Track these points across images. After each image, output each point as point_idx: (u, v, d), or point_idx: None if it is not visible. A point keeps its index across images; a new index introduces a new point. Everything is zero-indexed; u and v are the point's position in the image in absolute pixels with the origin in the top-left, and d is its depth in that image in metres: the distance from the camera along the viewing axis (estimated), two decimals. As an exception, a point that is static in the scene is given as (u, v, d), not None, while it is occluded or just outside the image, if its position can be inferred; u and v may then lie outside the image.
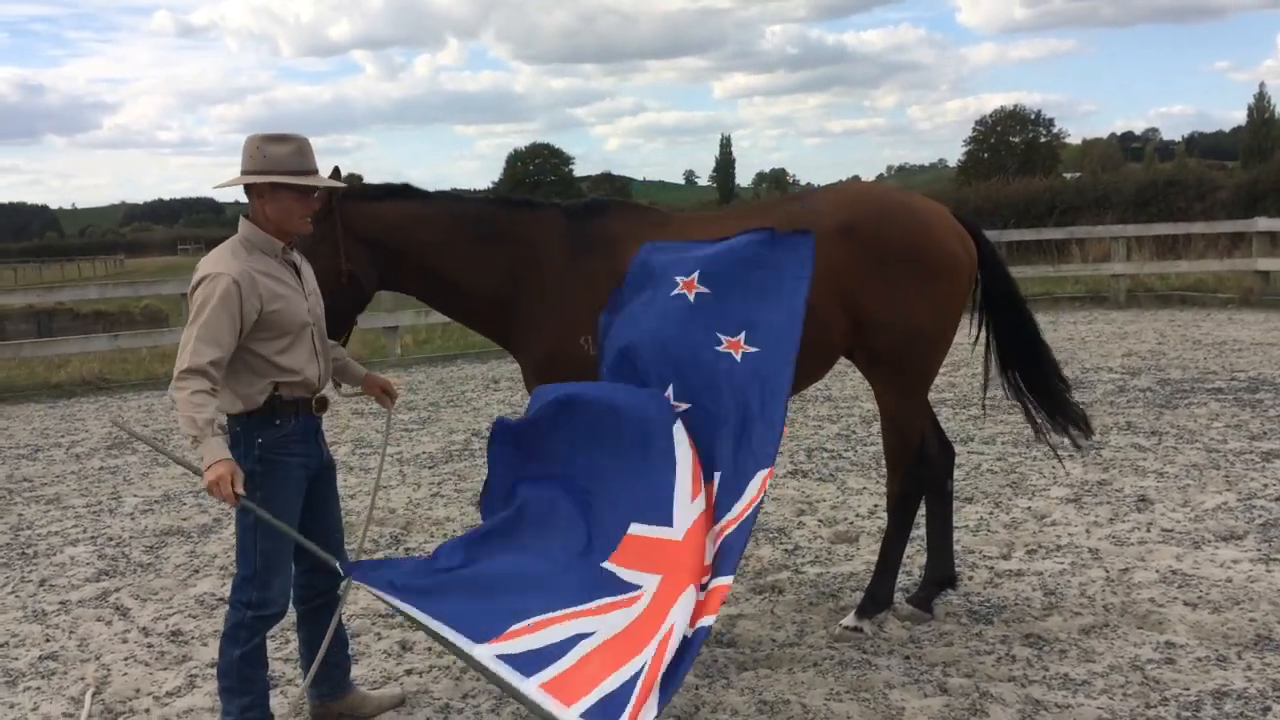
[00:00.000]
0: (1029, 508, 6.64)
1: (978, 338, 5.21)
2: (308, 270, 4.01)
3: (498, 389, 12.21)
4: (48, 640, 5.30)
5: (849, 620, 4.90)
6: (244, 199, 3.90)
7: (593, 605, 3.52)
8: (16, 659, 5.08)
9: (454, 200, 4.74)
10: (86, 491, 8.32)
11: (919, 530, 5.31)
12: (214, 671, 4.05)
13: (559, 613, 3.48)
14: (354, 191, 4.49)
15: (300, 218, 3.86)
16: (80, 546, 6.86)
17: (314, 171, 3.86)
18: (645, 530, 3.69)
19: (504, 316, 4.70)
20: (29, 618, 5.62)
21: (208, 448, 3.55)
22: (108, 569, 6.37)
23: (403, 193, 4.66)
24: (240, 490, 3.58)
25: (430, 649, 4.93)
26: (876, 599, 4.95)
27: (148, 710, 4.49)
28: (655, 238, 4.70)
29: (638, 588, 3.56)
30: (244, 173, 3.79)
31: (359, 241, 4.44)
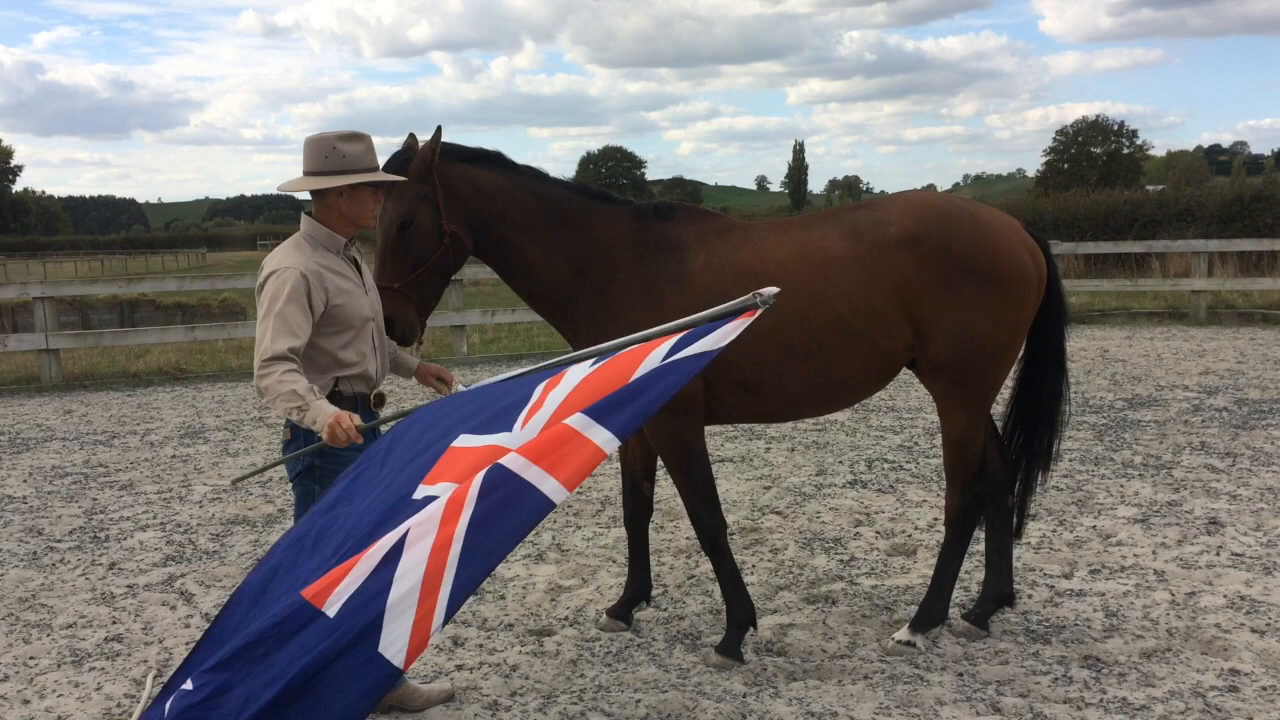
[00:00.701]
0: (1094, 527, 6.50)
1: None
2: (366, 267, 4.10)
3: (561, 390, 12.26)
4: (114, 622, 5.44)
5: (902, 634, 4.83)
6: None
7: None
8: (84, 639, 5.23)
9: (539, 179, 4.72)
10: (158, 479, 8.54)
11: (978, 545, 5.23)
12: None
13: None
14: (451, 151, 4.51)
15: (373, 212, 4.03)
16: (150, 532, 7.03)
17: (379, 166, 4.01)
18: (472, 440, 3.34)
19: (565, 306, 4.71)
20: (97, 600, 5.78)
21: (316, 411, 3.62)
22: (175, 555, 6.53)
23: (495, 160, 4.65)
24: (359, 423, 3.62)
25: (481, 646, 4.98)
26: (931, 614, 4.88)
27: (206, 695, 4.59)
28: (720, 244, 4.69)
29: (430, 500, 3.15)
30: (318, 173, 3.87)
31: (457, 201, 4.45)
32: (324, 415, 3.62)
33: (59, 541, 6.89)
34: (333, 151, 3.85)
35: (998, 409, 5.08)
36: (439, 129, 4.40)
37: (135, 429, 10.71)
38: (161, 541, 6.81)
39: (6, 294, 18.00)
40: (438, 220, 4.36)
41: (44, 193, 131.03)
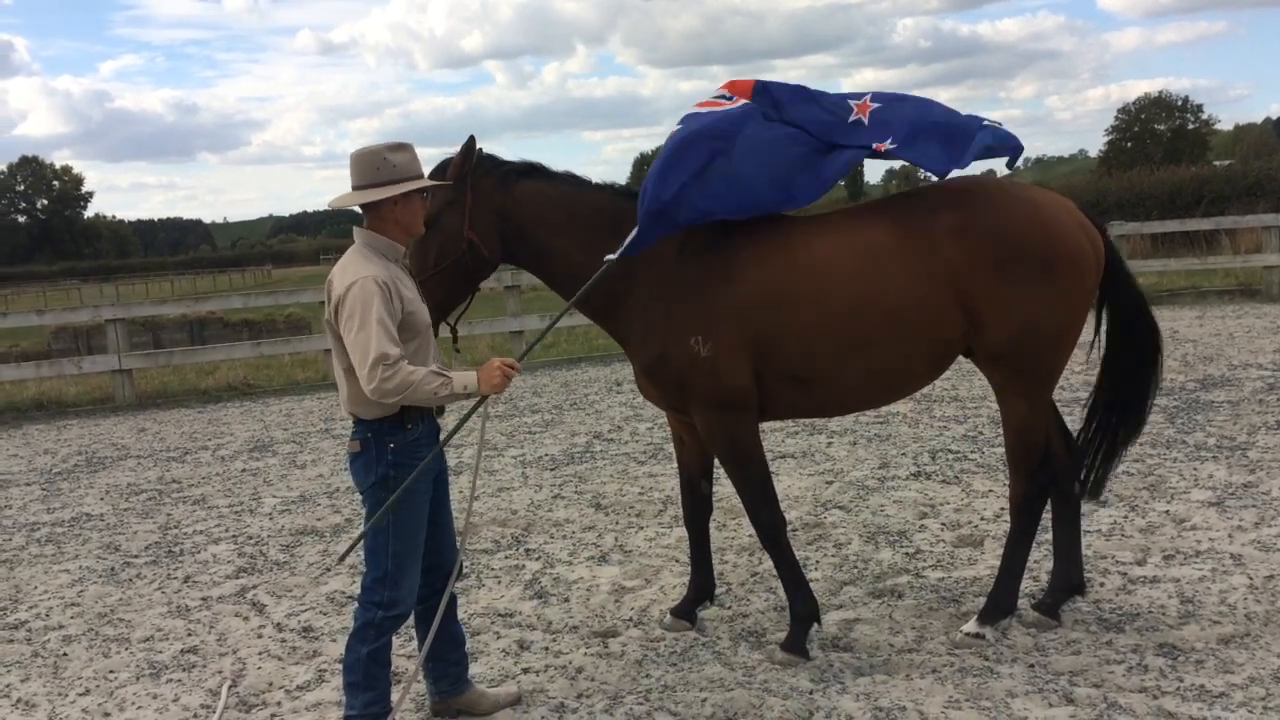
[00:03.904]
0: (1167, 511, 6.35)
1: (1093, 341, 5.02)
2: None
3: (620, 391, 12.31)
4: (189, 635, 5.56)
5: (970, 627, 4.77)
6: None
7: None
8: (161, 652, 5.35)
9: (578, 185, 4.79)
10: (229, 492, 8.71)
11: (1048, 534, 5.13)
12: (342, 667, 4.20)
13: None
14: (488, 162, 4.61)
15: (422, 219, 4.11)
16: (222, 545, 7.18)
17: (424, 173, 4.10)
18: None
19: (614, 309, 4.73)
20: (173, 613, 5.91)
21: (462, 378, 3.86)
22: (246, 567, 6.65)
23: (533, 171, 4.74)
24: (511, 362, 3.96)
25: (547, 649, 5.00)
26: (999, 605, 4.81)
27: (279, 703, 4.68)
28: (767, 238, 4.66)
29: None
30: (371, 185, 3.90)
31: (487, 211, 4.55)
32: (471, 376, 3.88)
33: (135, 557, 7.06)
34: (384, 163, 3.90)
35: (1065, 395, 4.98)
36: (470, 139, 4.55)
37: (206, 444, 10.94)
38: (234, 554, 6.95)
39: (81, 317, 18.46)
40: (460, 226, 4.48)
41: (114, 217, 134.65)
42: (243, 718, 4.56)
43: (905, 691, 4.29)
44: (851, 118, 4.60)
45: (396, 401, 3.83)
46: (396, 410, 3.92)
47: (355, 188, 3.96)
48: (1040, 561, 5.46)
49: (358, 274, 3.82)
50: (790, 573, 4.73)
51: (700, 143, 4.53)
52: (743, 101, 4.68)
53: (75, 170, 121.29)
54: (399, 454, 3.91)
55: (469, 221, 4.49)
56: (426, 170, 4.26)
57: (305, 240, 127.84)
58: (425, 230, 4.32)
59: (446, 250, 4.47)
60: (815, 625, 4.74)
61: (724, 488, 6.78)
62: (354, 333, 3.76)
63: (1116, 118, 63.00)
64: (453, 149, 4.62)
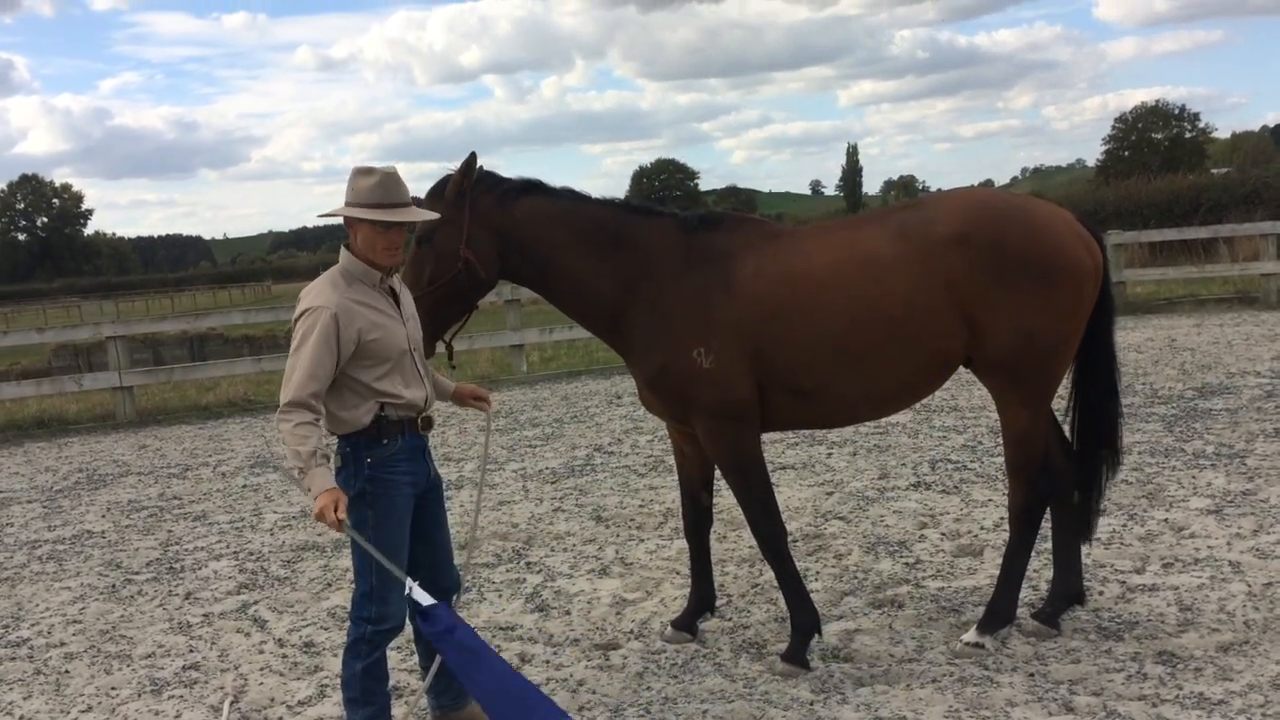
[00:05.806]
0: (1166, 519, 6.37)
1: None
2: (407, 297, 4.14)
3: (620, 404, 12.32)
4: (191, 651, 5.57)
5: (970, 636, 4.78)
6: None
7: None
8: (163, 669, 5.36)
9: (578, 200, 4.80)
10: (230, 508, 8.72)
11: (1047, 543, 5.15)
12: (340, 683, 4.20)
13: None
14: (487, 180, 4.62)
15: (384, 249, 3.91)
16: (223, 561, 7.19)
17: (399, 204, 3.89)
18: None
19: (616, 323, 4.75)
20: (175, 629, 5.92)
21: (314, 478, 3.73)
22: (248, 582, 6.66)
23: (532, 188, 4.74)
24: (343, 516, 3.72)
25: (548, 662, 5.01)
26: (999, 614, 4.82)
27: (281, 718, 4.68)
28: (768, 250, 4.69)
29: None
30: (345, 204, 3.93)
31: (485, 229, 4.56)
32: (317, 487, 3.74)
33: (137, 573, 7.07)
34: (349, 183, 3.90)
35: (1064, 404, 5.00)
36: (471, 156, 4.54)
37: (207, 460, 10.95)
38: (235, 570, 6.96)
39: (81, 335, 18.51)
40: (456, 244, 4.48)
41: (114, 234, 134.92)
42: (245, 733, 4.57)
43: (905, 701, 4.30)
44: None
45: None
46: (372, 425, 3.93)
47: None
48: (1040, 570, 5.47)
49: (312, 302, 3.84)
50: (791, 584, 4.74)
51: None
52: None
53: (75, 188, 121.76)
54: (376, 469, 3.92)
55: (465, 239, 4.50)
56: (424, 188, 4.26)
57: (305, 255, 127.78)
58: (419, 248, 4.34)
59: (441, 269, 4.47)
60: (816, 636, 4.75)
61: (724, 499, 6.80)
62: (288, 359, 3.86)
63: (1114, 127, 63.42)
64: (452, 163, 4.58)
